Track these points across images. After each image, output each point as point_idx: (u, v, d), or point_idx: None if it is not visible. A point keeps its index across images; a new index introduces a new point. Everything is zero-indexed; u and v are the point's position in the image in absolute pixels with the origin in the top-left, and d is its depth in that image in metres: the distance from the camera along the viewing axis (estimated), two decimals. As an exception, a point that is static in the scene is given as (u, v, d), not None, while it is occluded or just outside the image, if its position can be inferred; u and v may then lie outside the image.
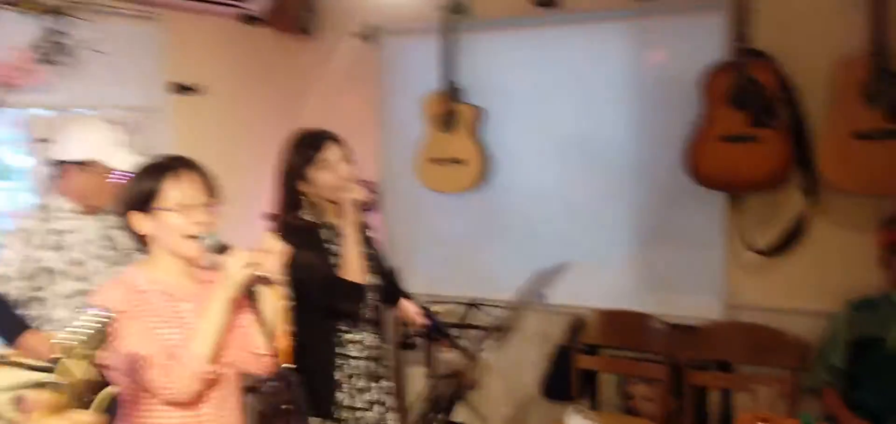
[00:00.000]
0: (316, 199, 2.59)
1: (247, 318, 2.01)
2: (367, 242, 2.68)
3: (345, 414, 2.58)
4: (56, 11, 3.22)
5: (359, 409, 2.60)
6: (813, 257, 3.42)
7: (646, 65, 3.79)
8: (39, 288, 2.66)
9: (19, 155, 3.35)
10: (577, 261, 3.36)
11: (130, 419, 1.95)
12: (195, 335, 1.90)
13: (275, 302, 2.00)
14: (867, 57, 3.07)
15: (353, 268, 2.54)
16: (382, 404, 2.68)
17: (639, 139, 3.82)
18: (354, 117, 4.16)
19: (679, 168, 3.47)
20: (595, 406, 3.82)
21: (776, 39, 3.32)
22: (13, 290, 2.64)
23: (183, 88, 3.91)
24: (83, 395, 1.56)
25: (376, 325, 2.68)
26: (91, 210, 2.77)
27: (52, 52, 3.20)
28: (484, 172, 4.07)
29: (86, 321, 1.53)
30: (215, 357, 1.91)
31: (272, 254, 1.96)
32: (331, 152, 2.58)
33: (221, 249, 1.93)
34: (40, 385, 1.56)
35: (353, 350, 2.60)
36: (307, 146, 2.59)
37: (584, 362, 3.75)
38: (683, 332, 3.63)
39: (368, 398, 2.63)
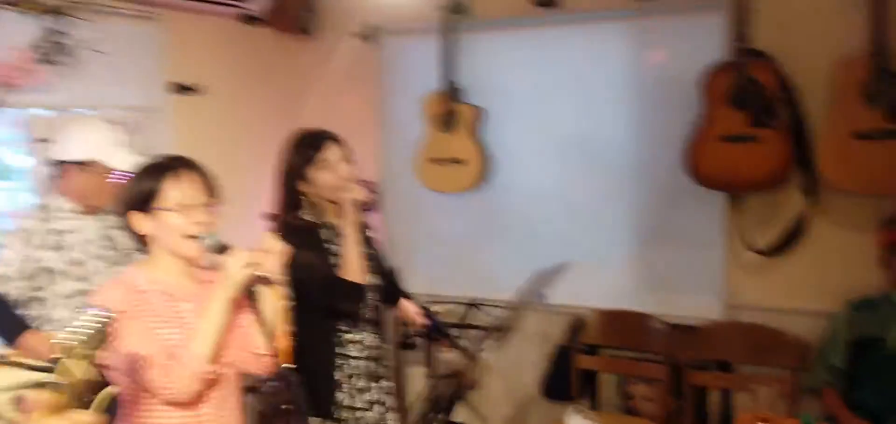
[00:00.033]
0: (316, 199, 2.59)
1: (247, 318, 2.01)
2: (368, 242, 2.68)
3: (345, 414, 2.57)
4: (56, 11, 3.22)
5: (359, 409, 2.60)
6: (813, 258, 3.42)
7: (646, 65, 3.78)
8: (39, 288, 2.66)
9: (19, 155, 3.35)
10: (577, 261, 3.36)
11: (131, 419, 1.95)
12: (195, 335, 1.90)
13: (275, 302, 2.00)
14: (867, 57, 3.07)
15: (353, 268, 2.54)
16: (382, 404, 2.67)
17: (639, 139, 3.81)
18: (354, 117, 4.16)
19: (679, 168, 3.47)
20: (595, 406, 3.82)
21: (776, 39, 3.32)
22: (13, 290, 2.63)
23: (183, 88, 3.91)
24: (83, 395, 1.56)
25: (376, 325, 2.68)
26: (91, 210, 2.76)
27: (52, 52, 3.20)
28: (484, 172, 4.06)
29: (85, 322, 1.53)
30: (215, 357, 1.91)
31: (272, 254, 1.96)
32: (331, 152, 2.57)
33: (221, 249, 1.93)
34: (40, 385, 1.56)
35: (353, 350, 2.60)
36: (307, 146, 2.59)
37: (584, 362, 3.75)
38: (683, 332, 3.62)
39: (368, 398, 2.62)
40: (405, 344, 3.37)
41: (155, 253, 1.99)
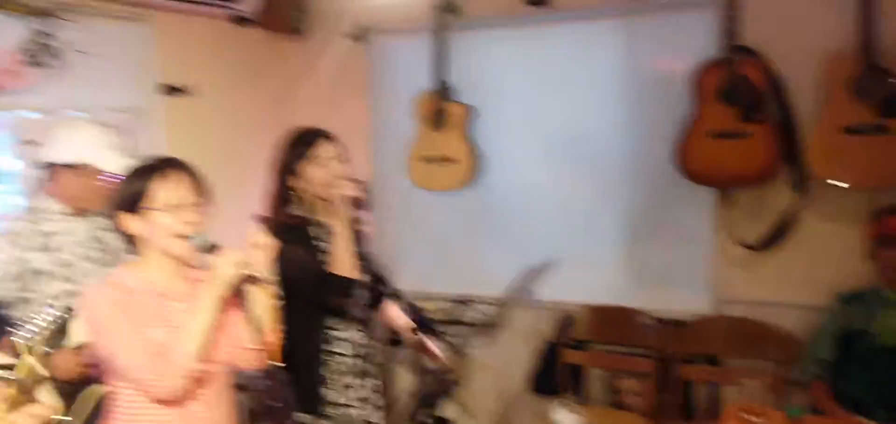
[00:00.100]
0: (306, 195, 2.60)
1: (236, 316, 2.01)
2: (358, 240, 2.69)
3: (332, 411, 2.58)
4: (43, 13, 3.21)
5: (346, 406, 2.60)
6: (802, 252, 3.44)
7: (636, 62, 3.79)
8: (28, 290, 2.65)
9: (8, 158, 3.34)
10: (567, 257, 3.37)
11: (120, 416, 1.96)
12: (184, 333, 1.90)
13: (264, 300, 2.01)
14: (855, 52, 3.09)
15: (343, 264, 2.55)
16: (370, 400, 2.68)
17: (629, 136, 3.83)
18: (346, 117, 4.14)
19: (669, 164, 3.49)
20: (583, 401, 3.83)
21: (765, 36, 3.34)
22: (1, 291, 2.63)
23: (173, 90, 3.90)
24: (39, 390, 1.59)
25: (365, 322, 2.68)
26: (80, 212, 2.76)
27: (40, 54, 3.19)
28: (474, 170, 4.07)
29: (44, 319, 1.55)
30: (204, 355, 1.91)
31: (260, 248, 1.97)
32: (323, 149, 2.59)
33: (210, 248, 1.94)
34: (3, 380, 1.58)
35: (341, 347, 2.61)
36: (300, 143, 2.61)
37: (572, 357, 3.76)
38: (672, 326, 3.64)
39: (356, 394, 2.63)
40: (393, 341, 3.37)
41: (145, 254, 1.99)
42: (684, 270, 3.73)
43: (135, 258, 2.01)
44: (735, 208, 3.55)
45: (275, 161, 2.63)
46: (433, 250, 4.37)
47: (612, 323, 3.76)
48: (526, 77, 4.05)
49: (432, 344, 2.78)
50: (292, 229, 2.52)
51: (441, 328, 3.09)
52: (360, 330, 2.65)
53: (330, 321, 2.60)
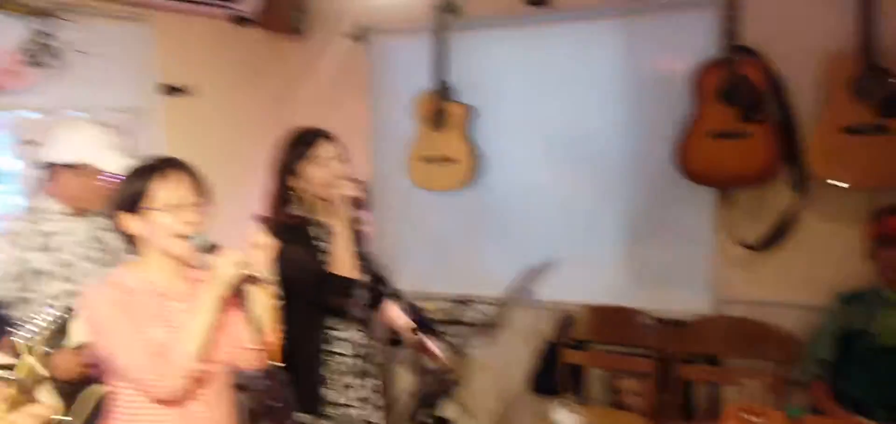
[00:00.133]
0: (306, 195, 2.60)
1: (236, 316, 2.01)
2: (358, 240, 2.69)
3: (332, 411, 2.58)
4: (43, 13, 3.21)
5: (346, 406, 2.60)
6: (802, 252, 3.44)
7: (636, 62, 3.79)
8: (28, 290, 2.65)
9: (7, 158, 3.34)
10: (567, 257, 3.37)
11: (120, 416, 1.96)
12: (184, 333, 1.90)
13: (264, 300, 2.01)
14: (856, 52, 3.09)
15: (343, 264, 2.55)
16: (370, 400, 2.68)
17: (629, 136, 3.83)
18: (346, 117, 4.13)
19: (669, 164, 3.49)
20: (583, 401, 3.82)
21: (765, 36, 3.34)
22: (1, 291, 2.63)
23: (173, 90, 3.90)
24: (39, 390, 1.59)
25: (365, 322, 2.68)
26: (80, 212, 2.76)
27: (40, 54, 3.19)
28: (474, 170, 4.07)
29: (44, 319, 1.55)
30: (204, 355, 1.92)
31: (260, 248, 1.97)
32: (323, 149, 2.59)
33: (210, 248, 1.94)
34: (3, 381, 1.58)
35: (341, 347, 2.61)
36: (300, 143, 2.62)
37: (572, 357, 3.76)
38: (672, 327, 3.64)
39: (356, 394, 2.63)
40: (393, 341, 3.37)
41: (145, 254, 1.99)
42: (684, 270, 3.74)
43: (135, 258, 2.02)
44: (735, 208, 3.55)
45: (275, 161, 2.63)
46: (433, 250, 4.37)
47: (612, 323, 3.76)
48: (526, 77, 4.05)
49: (432, 344, 2.78)
50: (292, 229, 2.52)
51: (441, 328, 3.08)
52: (360, 330, 2.65)
53: (330, 321, 2.60)
